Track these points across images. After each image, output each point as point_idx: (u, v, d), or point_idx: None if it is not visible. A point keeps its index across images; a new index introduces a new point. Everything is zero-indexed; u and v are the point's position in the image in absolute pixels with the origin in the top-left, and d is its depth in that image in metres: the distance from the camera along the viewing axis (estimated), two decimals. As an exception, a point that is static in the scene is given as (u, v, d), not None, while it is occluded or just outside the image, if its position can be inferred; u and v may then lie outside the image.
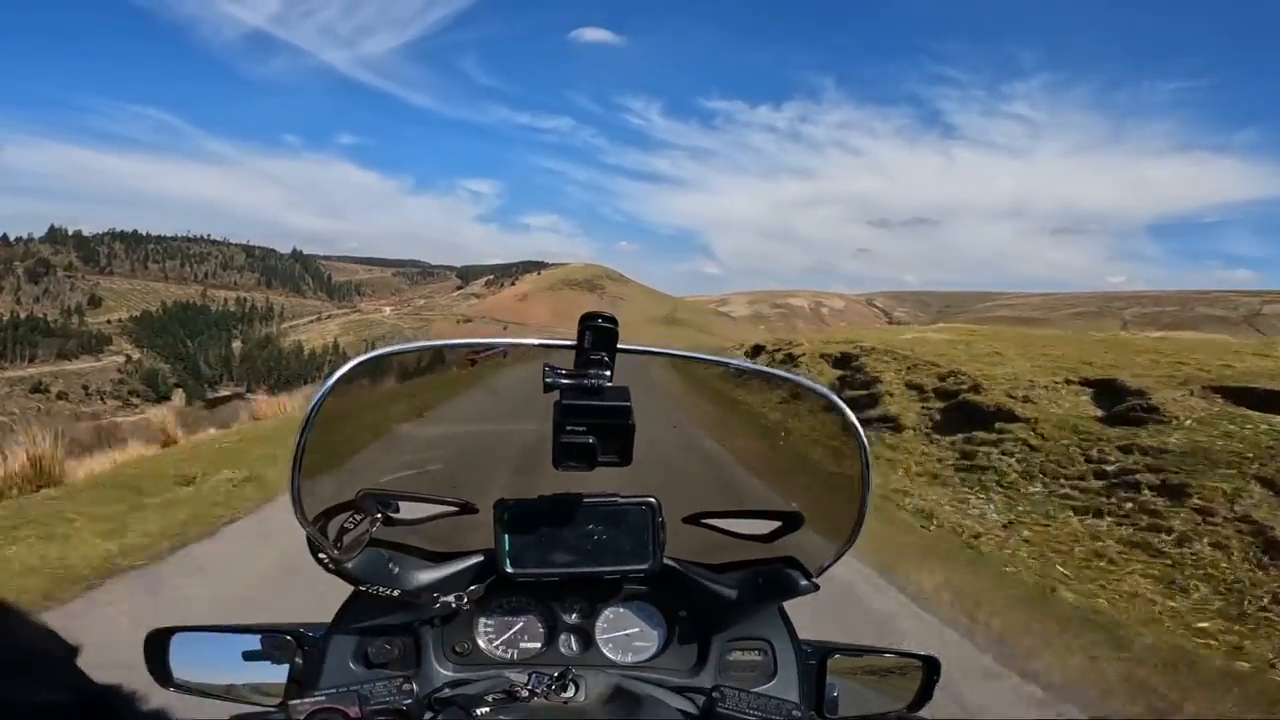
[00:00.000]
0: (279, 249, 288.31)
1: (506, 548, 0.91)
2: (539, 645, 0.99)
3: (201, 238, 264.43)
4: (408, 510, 0.91)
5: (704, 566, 0.99)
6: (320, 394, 0.77)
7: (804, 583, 0.91)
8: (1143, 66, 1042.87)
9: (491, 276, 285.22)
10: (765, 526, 0.95)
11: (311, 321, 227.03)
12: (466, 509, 0.95)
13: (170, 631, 0.92)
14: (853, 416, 0.82)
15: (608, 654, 0.98)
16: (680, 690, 0.91)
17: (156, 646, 0.92)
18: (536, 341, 0.82)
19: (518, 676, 0.88)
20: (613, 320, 0.73)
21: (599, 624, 0.99)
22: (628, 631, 0.99)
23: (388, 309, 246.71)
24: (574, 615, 0.99)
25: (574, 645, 0.99)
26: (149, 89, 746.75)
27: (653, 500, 0.92)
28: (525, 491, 0.92)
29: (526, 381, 0.83)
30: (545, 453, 0.77)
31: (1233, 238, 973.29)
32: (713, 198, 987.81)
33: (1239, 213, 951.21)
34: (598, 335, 0.72)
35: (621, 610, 0.99)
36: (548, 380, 0.72)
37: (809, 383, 0.88)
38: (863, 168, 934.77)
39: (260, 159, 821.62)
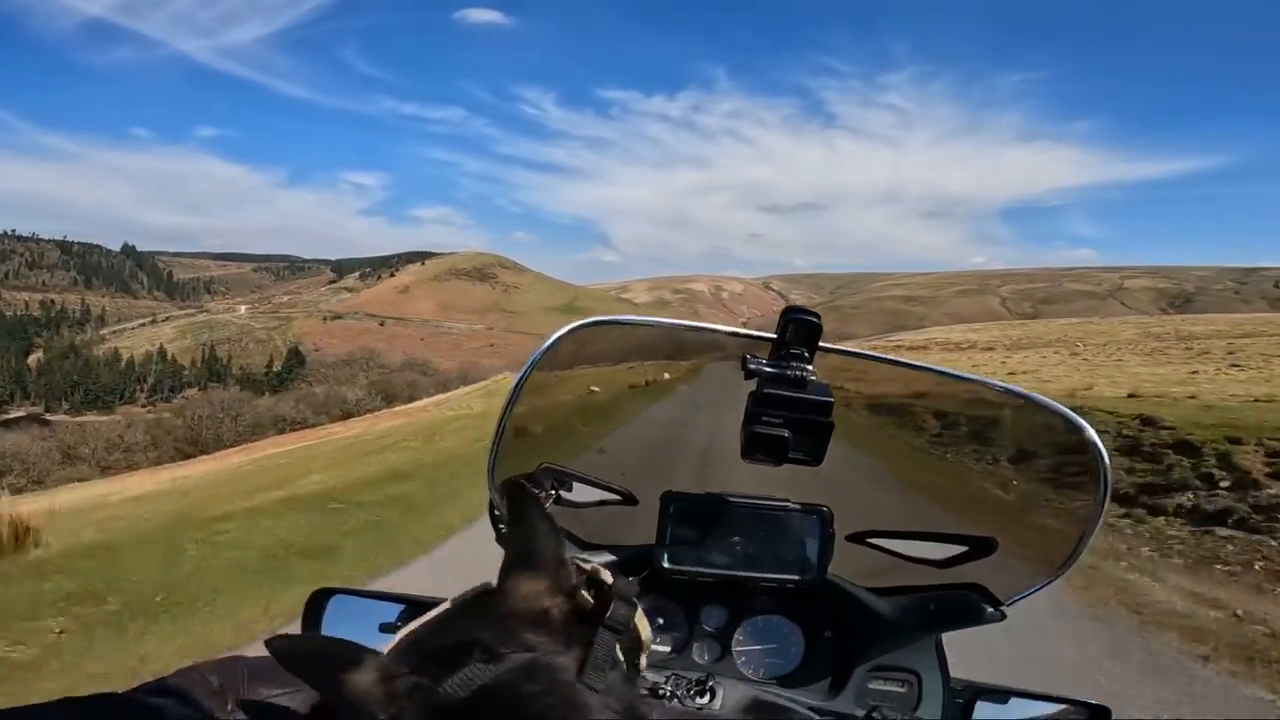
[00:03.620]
0: (108, 245, 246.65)
1: (667, 541, 0.88)
2: (670, 649, 0.95)
3: (2, 233, 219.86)
4: (578, 491, 0.91)
5: (863, 587, 0.93)
6: (529, 364, 0.77)
7: (990, 610, 0.85)
8: (995, 58, 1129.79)
9: (369, 269, 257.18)
10: (941, 551, 0.89)
11: (143, 325, 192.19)
12: (628, 499, 0.94)
13: (330, 592, 0.94)
14: (1094, 434, 0.75)
15: (740, 666, 0.94)
16: (820, 712, 0.86)
17: (316, 605, 0.93)
18: (730, 329, 0.80)
19: (655, 676, 0.86)
20: (816, 315, 0.70)
21: (737, 635, 0.95)
22: (765, 646, 0.95)
23: (242, 308, 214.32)
24: (714, 622, 0.95)
25: (707, 653, 0.95)
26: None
27: (825, 510, 0.88)
28: (692, 485, 0.90)
29: (707, 379, 0.81)
30: (718, 449, 0.75)
31: (1072, 220, 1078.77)
32: (610, 187, 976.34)
33: (1077, 197, 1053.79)
34: (800, 328, 0.70)
35: (763, 624, 0.95)
36: (750, 367, 0.69)
37: (1040, 398, 0.80)
38: (753, 155, 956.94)
39: (104, 153, 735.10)
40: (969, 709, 0.91)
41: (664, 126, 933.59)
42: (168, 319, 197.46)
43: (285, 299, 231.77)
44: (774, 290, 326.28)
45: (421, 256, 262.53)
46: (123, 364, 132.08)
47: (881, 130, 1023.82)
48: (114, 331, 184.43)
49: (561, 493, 0.88)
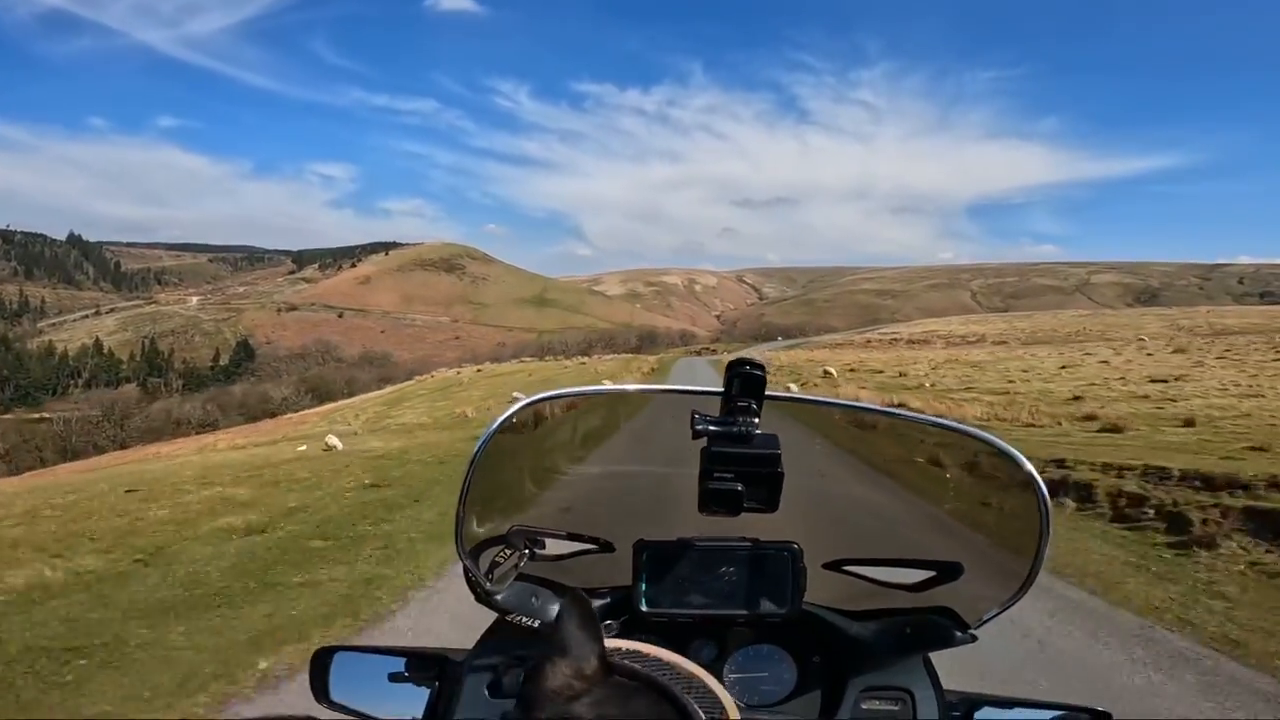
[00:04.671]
0: (57, 235, 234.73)
1: (643, 587, 0.92)
2: None
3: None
4: (551, 546, 0.94)
5: (842, 614, 0.97)
6: (486, 435, 0.81)
7: (960, 634, 0.87)
8: (966, 56, 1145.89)
9: (330, 259, 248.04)
10: (913, 576, 0.93)
11: (84, 317, 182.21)
12: (605, 548, 0.97)
13: (333, 650, 0.95)
14: (1030, 467, 0.79)
15: (735, 697, 0.89)
16: None
17: (320, 664, 0.94)
18: (682, 389, 0.87)
19: None
20: (761, 367, 0.73)
21: (727, 666, 0.96)
22: (757, 675, 0.97)
23: (194, 299, 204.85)
24: (703, 656, 0.96)
25: None
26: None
27: (795, 545, 0.92)
28: (664, 532, 0.93)
29: (665, 427, 0.87)
30: (685, 495, 0.78)
31: (1037, 216, 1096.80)
32: (583, 180, 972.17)
33: (1041, 194, 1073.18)
34: (745, 382, 0.73)
35: (752, 654, 0.97)
36: (697, 427, 0.72)
37: (981, 433, 0.85)
38: (727, 150, 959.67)
39: (58, 143, 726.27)
40: None
41: (638, 120, 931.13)
42: (111, 310, 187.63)
43: (241, 289, 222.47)
44: (747, 283, 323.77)
45: (386, 247, 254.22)
46: (56, 358, 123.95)
47: (853, 126, 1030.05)
48: (54, 324, 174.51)
49: (535, 550, 0.92)
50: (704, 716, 0.52)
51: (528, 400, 0.84)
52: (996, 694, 0.95)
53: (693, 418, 0.72)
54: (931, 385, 21.37)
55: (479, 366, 46.34)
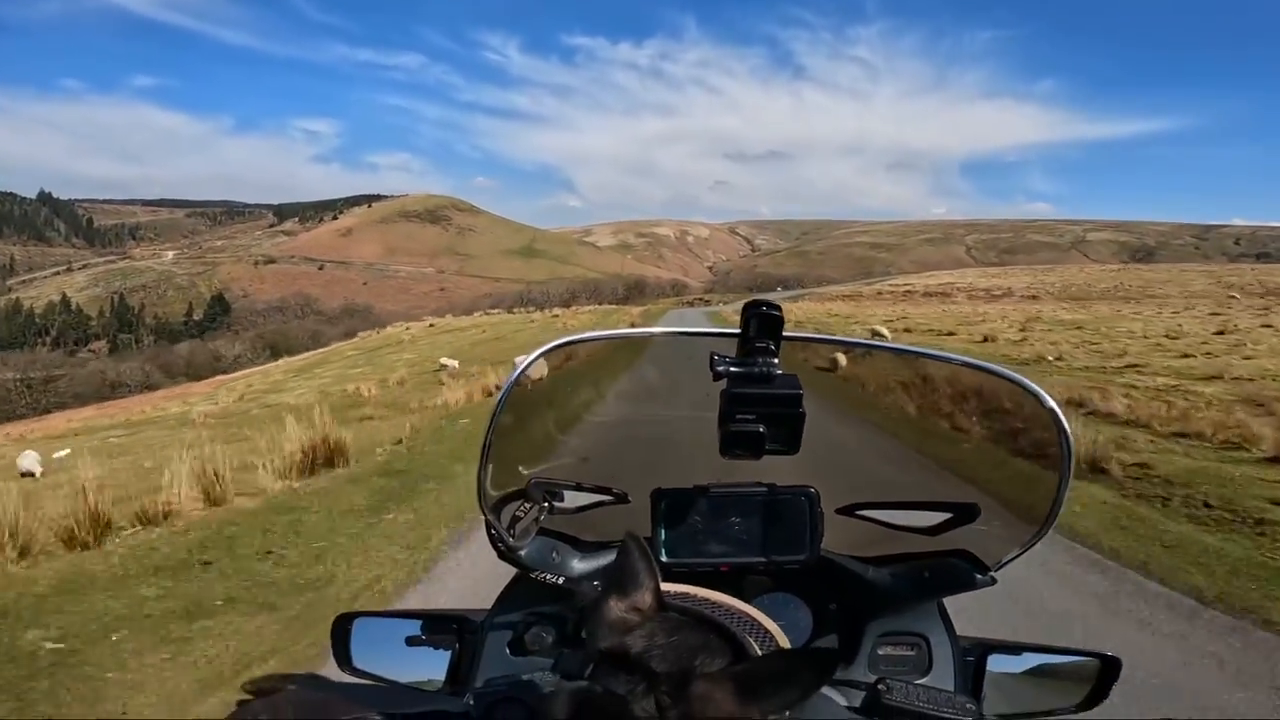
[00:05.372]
0: (27, 194, 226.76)
1: (663, 536, 0.91)
2: None
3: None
4: (569, 499, 0.94)
5: (859, 560, 0.96)
6: (506, 385, 0.81)
7: (980, 577, 0.86)
8: (963, 16, 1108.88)
9: (311, 212, 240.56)
10: (929, 519, 0.91)
11: (55, 274, 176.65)
12: (620, 499, 0.96)
13: (353, 616, 0.95)
14: (1053, 402, 0.77)
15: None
16: (834, 683, 0.86)
17: (341, 631, 0.95)
18: (698, 331, 0.86)
19: None
20: (777, 307, 0.72)
21: None
22: (775, 624, 0.89)
23: (170, 254, 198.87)
24: None
25: None
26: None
27: (812, 490, 0.91)
28: (680, 480, 0.92)
29: (682, 372, 0.87)
30: (699, 440, 0.76)
31: (1031, 175, 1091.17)
32: (574, 134, 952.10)
33: (1035, 153, 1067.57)
34: (763, 322, 0.72)
35: (769, 601, 0.96)
36: (717, 369, 0.72)
37: (1000, 369, 0.83)
38: (720, 105, 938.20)
39: (30, 104, 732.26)
40: (981, 665, 0.93)
41: (630, 74, 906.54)
42: (84, 266, 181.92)
43: (218, 244, 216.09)
44: (740, 235, 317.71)
45: (369, 199, 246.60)
46: (23, 315, 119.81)
47: (849, 83, 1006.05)
48: (23, 281, 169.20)
49: (554, 503, 0.92)
50: (755, 645, 0.55)
51: (543, 349, 0.84)
52: (1011, 639, 0.95)
53: (712, 359, 0.72)
54: (1057, 360, 14.59)
55: (432, 321, 43.25)
